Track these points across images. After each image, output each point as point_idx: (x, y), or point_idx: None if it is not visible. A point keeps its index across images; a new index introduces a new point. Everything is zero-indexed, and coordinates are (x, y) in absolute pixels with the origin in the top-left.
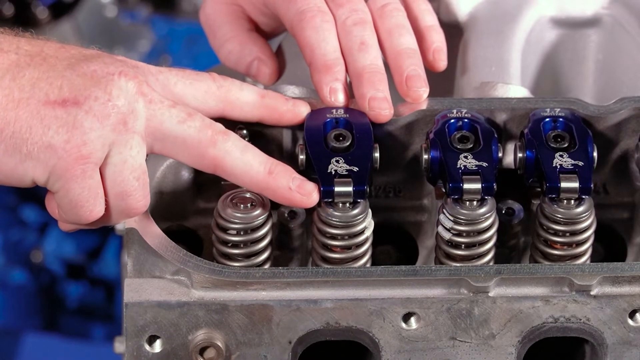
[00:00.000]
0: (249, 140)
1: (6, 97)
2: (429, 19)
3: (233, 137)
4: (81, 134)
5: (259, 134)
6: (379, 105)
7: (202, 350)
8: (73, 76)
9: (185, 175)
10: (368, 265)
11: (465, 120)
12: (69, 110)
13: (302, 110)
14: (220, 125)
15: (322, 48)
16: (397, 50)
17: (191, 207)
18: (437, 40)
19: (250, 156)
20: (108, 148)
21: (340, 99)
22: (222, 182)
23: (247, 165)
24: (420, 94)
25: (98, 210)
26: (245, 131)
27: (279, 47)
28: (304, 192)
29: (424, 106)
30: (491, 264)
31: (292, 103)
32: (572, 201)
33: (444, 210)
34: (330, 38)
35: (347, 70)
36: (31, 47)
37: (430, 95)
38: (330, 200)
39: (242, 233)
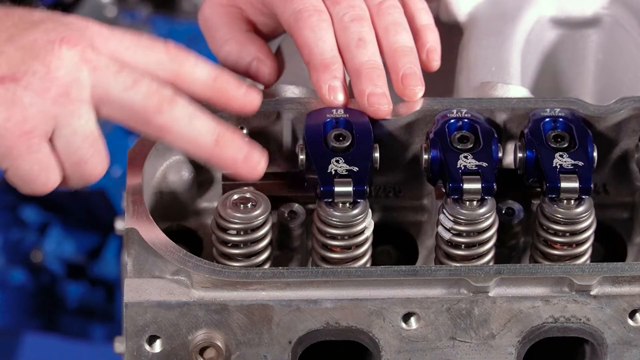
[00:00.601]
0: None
1: None
2: (425, 17)
3: (181, 103)
4: (21, 110)
5: (259, 133)
6: (378, 101)
7: (202, 350)
8: (11, 50)
9: (185, 175)
10: (368, 265)
11: (465, 120)
12: (8, 87)
13: (253, 100)
14: (168, 91)
15: (319, 47)
16: (394, 48)
17: (191, 207)
18: (432, 39)
19: (198, 124)
20: (53, 120)
21: (339, 97)
22: (223, 182)
23: (194, 134)
24: (416, 92)
25: (53, 181)
26: (245, 131)
27: (278, 47)
28: (249, 164)
29: (420, 105)
30: (491, 264)
31: (244, 91)
32: (572, 201)
33: (444, 210)
34: (327, 37)
35: (345, 67)
36: None
37: (430, 95)
38: (330, 200)
39: (242, 233)
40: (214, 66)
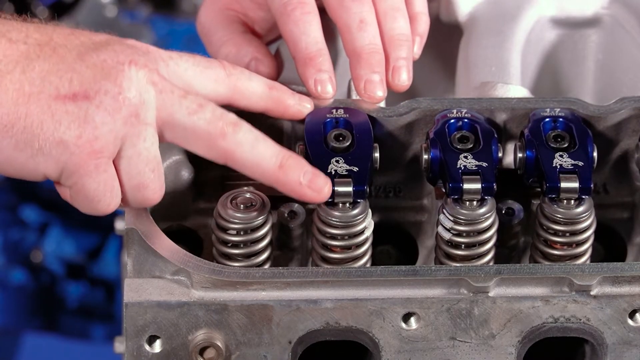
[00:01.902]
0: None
1: (17, 91)
2: (419, 3)
3: (245, 128)
4: (93, 129)
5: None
6: (374, 89)
7: (202, 350)
8: (83, 68)
9: (185, 175)
10: (368, 265)
11: (465, 120)
12: (80, 105)
13: (307, 106)
14: (232, 116)
15: (303, 41)
16: (390, 36)
17: (191, 207)
18: (421, 30)
19: (262, 148)
20: (121, 141)
21: (327, 89)
22: (225, 182)
23: (257, 158)
24: (403, 86)
25: (115, 203)
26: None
27: (277, 47)
28: (314, 188)
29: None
30: (491, 264)
31: (298, 98)
32: (572, 201)
33: (444, 210)
34: (311, 30)
35: (344, 48)
36: (40, 35)
37: (431, 95)
38: (330, 200)
39: (242, 233)
40: (266, 79)
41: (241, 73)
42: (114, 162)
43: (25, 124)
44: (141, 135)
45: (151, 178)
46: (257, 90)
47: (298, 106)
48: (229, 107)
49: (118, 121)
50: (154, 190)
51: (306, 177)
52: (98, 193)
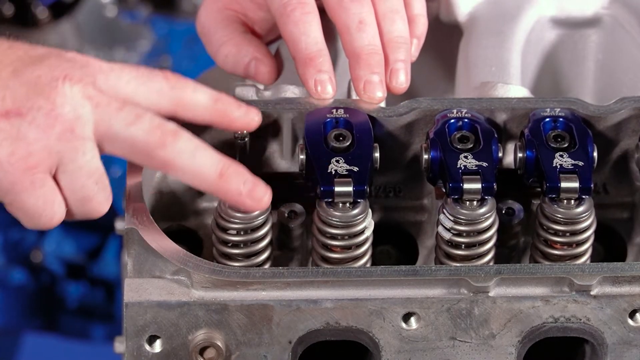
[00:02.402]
0: (247, 141)
1: None
2: (417, 6)
3: (184, 137)
4: (26, 146)
5: (259, 133)
6: (373, 89)
7: (202, 350)
8: (16, 85)
9: None
10: (368, 265)
11: (465, 120)
12: (12, 122)
13: (254, 118)
14: (171, 125)
15: (303, 42)
16: (388, 38)
17: (191, 207)
18: (419, 32)
19: (202, 158)
20: (57, 157)
21: (327, 89)
22: None
23: (197, 167)
24: (401, 89)
25: (59, 216)
26: (245, 131)
27: (278, 47)
28: (254, 197)
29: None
30: (491, 264)
31: (245, 110)
32: (572, 201)
33: (444, 210)
34: (311, 30)
35: (344, 49)
36: None
37: (431, 95)
38: (330, 200)
39: (242, 233)
40: (212, 90)
41: (185, 85)
42: (56, 178)
43: None
44: (79, 149)
45: (95, 190)
46: (201, 102)
47: (245, 118)
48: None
49: (52, 137)
50: (100, 202)
51: (246, 186)
52: (37, 208)
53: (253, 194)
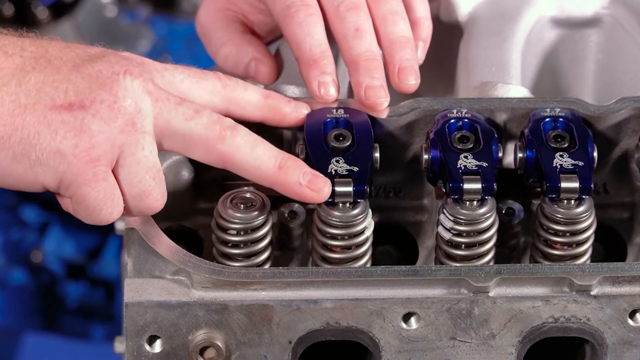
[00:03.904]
0: None
1: (13, 103)
2: (421, 8)
3: (242, 132)
4: (89, 138)
5: (259, 134)
6: (375, 94)
7: (202, 350)
8: (78, 79)
9: (185, 175)
10: (368, 265)
11: (465, 120)
12: (76, 114)
13: (304, 112)
14: (229, 120)
15: (307, 43)
16: (391, 39)
17: (191, 207)
18: (424, 35)
19: (260, 151)
20: (118, 150)
21: (330, 92)
22: (222, 183)
23: (256, 161)
24: (411, 86)
25: (117, 211)
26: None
27: (278, 47)
28: (314, 188)
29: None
30: (491, 264)
31: (295, 105)
32: (572, 201)
33: (444, 210)
34: (315, 31)
35: (342, 57)
36: (35, 48)
37: (431, 95)
38: (330, 200)
39: (242, 233)
40: (262, 88)
41: (236, 84)
42: (114, 171)
43: (22, 135)
44: (139, 143)
45: (152, 185)
46: (252, 100)
47: (295, 113)
48: None
49: (114, 129)
50: (156, 198)
51: (306, 178)
52: (99, 202)
53: (313, 185)
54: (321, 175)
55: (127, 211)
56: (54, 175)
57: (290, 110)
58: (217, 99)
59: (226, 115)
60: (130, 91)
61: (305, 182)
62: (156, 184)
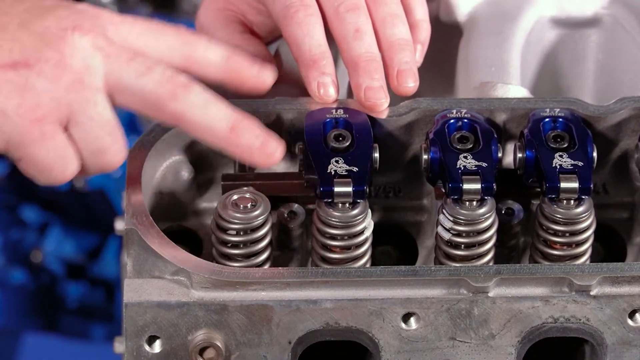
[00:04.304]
0: None
1: None
2: (420, 11)
3: (196, 89)
4: (34, 97)
5: None
6: (375, 95)
7: (201, 351)
8: (24, 36)
9: (185, 175)
10: (368, 265)
11: (465, 120)
12: (20, 73)
13: (267, 79)
14: (183, 78)
15: (307, 43)
16: (390, 41)
17: (191, 207)
18: (423, 37)
19: (213, 110)
20: (67, 108)
21: (330, 92)
22: (222, 182)
23: (208, 121)
24: (410, 89)
25: (71, 170)
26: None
27: (277, 47)
28: (265, 152)
29: (422, 104)
30: (491, 264)
31: (258, 69)
32: (572, 201)
33: (443, 210)
34: (314, 32)
35: (342, 59)
36: None
37: (430, 95)
38: (329, 200)
39: (241, 233)
40: (226, 46)
41: (197, 41)
42: (68, 130)
43: None
44: (90, 100)
45: (109, 142)
46: (213, 60)
47: (257, 78)
48: None
49: (61, 88)
50: (114, 154)
51: (258, 140)
52: (49, 161)
53: (265, 148)
54: (275, 138)
55: (85, 169)
56: (0, 136)
57: (251, 75)
58: (176, 56)
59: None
60: (78, 48)
61: (257, 145)
62: (113, 140)
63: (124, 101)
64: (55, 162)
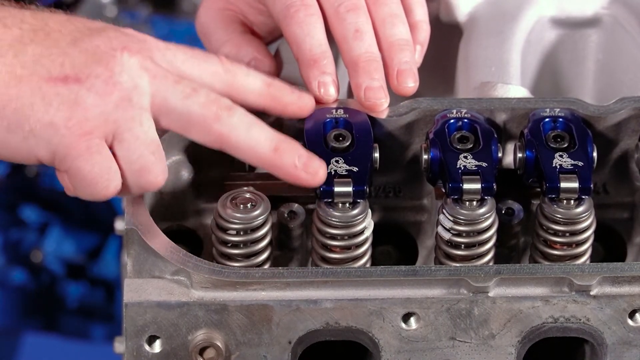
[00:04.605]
0: None
1: (9, 74)
2: (419, 12)
3: (239, 112)
4: (83, 111)
5: None
6: (375, 95)
7: (201, 351)
8: (75, 53)
9: (185, 175)
10: (368, 265)
11: (465, 120)
12: (71, 87)
13: (307, 103)
14: (226, 101)
15: (307, 43)
16: (390, 42)
17: (191, 207)
18: (422, 38)
19: (256, 132)
20: (114, 125)
21: (330, 92)
22: (225, 182)
23: (252, 142)
24: (410, 89)
25: (114, 186)
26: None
27: (277, 47)
28: (309, 171)
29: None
30: (491, 264)
31: (298, 95)
32: (572, 201)
33: (443, 210)
34: (315, 32)
35: (342, 59)
36: (35, 21)
37: (430, 95)
38: (329, 200)
39: (241, 233)
40: (265, 74)
41: (238, 69)
42: (112, 147)
43: (16, 106)
44: (136, 119)
45: (152, 161)
46: (254, 87)
47: (297, 103)
48: None
49: (109, 104)
50: (156, 174)
51: (301, 160)
52: (94, 175)
53: (308, 168)
54: (316, 157)
55: (126, 188)
56: (47, 147)
57: (292, 100)
58: (218, 83)
59: None
60: (126, 67)
61: (301, 165)
62: (156, 160)
63: (169, 123)
64: (99, 176)
